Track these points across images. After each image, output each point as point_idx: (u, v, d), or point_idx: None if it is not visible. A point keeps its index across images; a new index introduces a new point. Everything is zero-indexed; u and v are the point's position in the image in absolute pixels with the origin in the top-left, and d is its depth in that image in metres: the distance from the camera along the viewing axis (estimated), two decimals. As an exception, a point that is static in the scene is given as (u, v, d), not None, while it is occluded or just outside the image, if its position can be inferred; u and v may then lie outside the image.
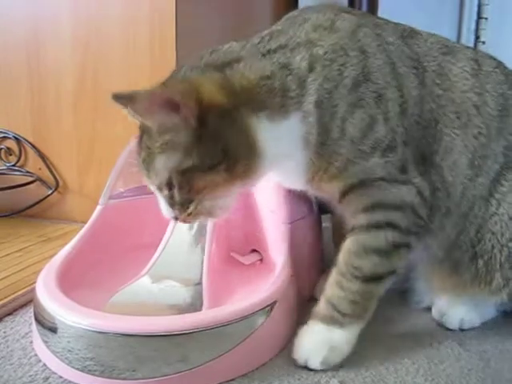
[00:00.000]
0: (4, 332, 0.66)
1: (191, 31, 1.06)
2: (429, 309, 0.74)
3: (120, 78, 1.06)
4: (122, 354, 0.54)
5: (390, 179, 0.60)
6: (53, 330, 0.57)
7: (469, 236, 0.66)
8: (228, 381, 0.57)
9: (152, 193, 0.63)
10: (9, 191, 1.14)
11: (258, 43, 0.61)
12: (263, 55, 0.59)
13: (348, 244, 0.62)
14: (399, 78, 0.61)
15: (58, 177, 1.15)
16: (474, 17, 1.61)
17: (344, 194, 0.61)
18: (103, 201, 0.82)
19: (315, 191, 0.67)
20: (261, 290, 0.63)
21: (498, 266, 0.65)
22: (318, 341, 0.61)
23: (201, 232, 0.74)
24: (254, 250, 0.83)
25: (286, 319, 0.66)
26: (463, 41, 1.61)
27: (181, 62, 1.00)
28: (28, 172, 1.17)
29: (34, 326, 0.61)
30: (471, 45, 1.61)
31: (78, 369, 0.55)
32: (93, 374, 0.54)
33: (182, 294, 0.67)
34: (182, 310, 0.64)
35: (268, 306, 0.60)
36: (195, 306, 0.65)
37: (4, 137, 1.17)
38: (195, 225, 0.74)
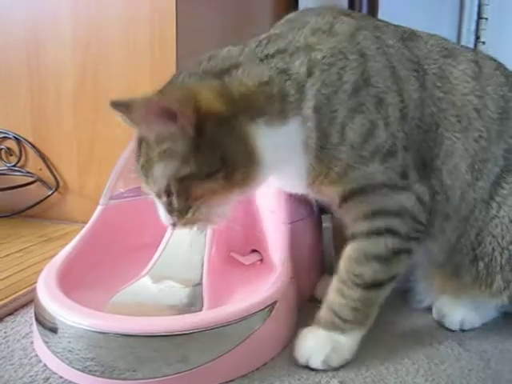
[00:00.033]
0: (5, 332, 0.66)
1: (191, 31, 1.06)
2: (429, 309, 0.74)
3: (120, 78, 1.06)
4: (123, 355, 0.54)
5: (390, 185, 0.60)
6: (53, 330, 0.57)
7: (469, 239, 0.66)
8: (228, 381, 0.57)
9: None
10: (9, 192, 1.14)
11: (256, 47, 0.60)
12: (261, 60, 0.59)
13: (348, 251, 0.61)
14: (399, 82, 0.60)
15: (58, 177, 1.15)
16: (474, 17, 1.61)
17: (344, 199, 0.61)
18: (104, 201, 0.82)
19: (316, 195, 0.67)
20: (261, 290, 0.63)
21: (498, 269, 0.65)
22: (320, 340, 0.61)
23: (201, 232, 0.74)
24: (254, 250, 0.82)
25: (286, 319, 0.66)
26: (463, 41, 1.61)
27: (181, 63, 1.01)
28: (28, 172, 1.17)
29: (35, 326, 0.61)
30: (471, 45, 1.61)
31: (78, 369, 0.55)
32: (93, 375, 0.54)
33: (182, 294, 0.67)
34: (182, 310, 0.64)
35: (268, 306, 0.60)
36: (195, 306, 0.65)
37: (4, 137, 1.17)
38: (195, 225, 0.74)
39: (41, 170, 1.16)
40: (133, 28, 1.04)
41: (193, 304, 0.65)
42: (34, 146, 1.15)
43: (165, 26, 1.01)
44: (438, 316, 0.72)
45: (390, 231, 0.60)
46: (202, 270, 0.70)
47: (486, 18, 1.59)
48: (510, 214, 0.64)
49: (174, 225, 0.62)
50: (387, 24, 0.66)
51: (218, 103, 0.55)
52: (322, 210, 0.78)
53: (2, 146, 1.18)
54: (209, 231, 0.73)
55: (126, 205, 0.84)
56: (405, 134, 0.60)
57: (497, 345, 0.67)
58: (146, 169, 0.59)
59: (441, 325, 0.72)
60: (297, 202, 0.73)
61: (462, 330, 0.70)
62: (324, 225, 0.84)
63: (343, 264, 0.62)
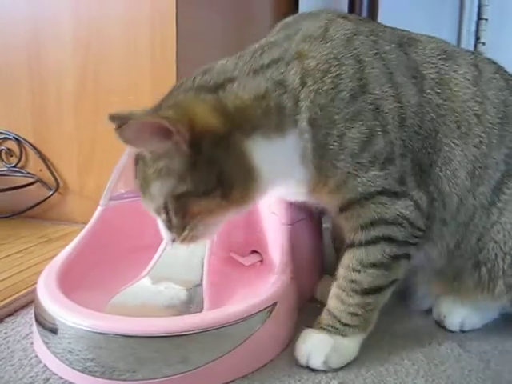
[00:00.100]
0: (5, 333, 0.66)
1: (192, 33, 1.06)
2: (429, 310, 0.74)
3: (121, 79, 1.06)
4: (123, 355, 0.54)
5: (388, 192, 0.59)
6: (53, 330, 0.57)
7: (470, 244, 0.65)
8: (228, 382, 0.57)
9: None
10: (9, 192, 1.14)
11: (251, 59, 0.58)
12: (256, 72, 0.57)
13: (346, 260, 0.61)
14: (397, 88, 0.59)
15: (58, 178, 1.15)
16: (474, 18, 1.61)
17: (342, 209, 0.61)
18: (104, 202, 0.82)
19: (315, 202, 0.66)
20: (261, 291, 0.63)
21: (500, 274, 0.65)
22: (321, 341, 0.61)
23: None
24: (254, 251, 0.82)
25: (287, 320, 0.66)
26: (463, 42, 1.61)
27: (181, 63, 1.01)
28: (29, 173, 1.17)
29: (35, 326, 0.61)
30: (471, 46, 1.61)
31: (78, 370, 0.55)
32: (93, 375, 0.54)
33: (182, 295, 0.67)
34: (182, 311, 0.64)
35: (268, 307, 0.60)
36: (195, 307, 0.65)
37: (5, 138, 1.17)
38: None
39: (41, 170, 1.16)
40: (133, 29, 1.04)
41: (193, 305, 0.65)
42: (34, 147, 1.15)
43: (165, 27, 1.01)
44: (438, 317, 0.72)
45: (387, 239, 0.60)
46: (202, 270, 0.70)
47: (486, 19, 1.59)
48: None
49: (172, 241, 0.61)
50: (385, 28, 0.65)
51: (213, 119, 0.54)
52: (322, 210, 0.78)
53: (3, 147, 1.18)
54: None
55: (126, 206, 0.84)
56: (402, 142, 0.59)
57: (497, 346, 0.67)
58: (144, 187, 0.59)
59: (441, 326, 0.72)
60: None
61: (462, 331, 0.70)
62: (324, 225, 0.84)
63: (341, 271, 0.62)
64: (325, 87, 0.57)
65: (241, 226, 0.80)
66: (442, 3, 1.61)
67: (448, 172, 0.62)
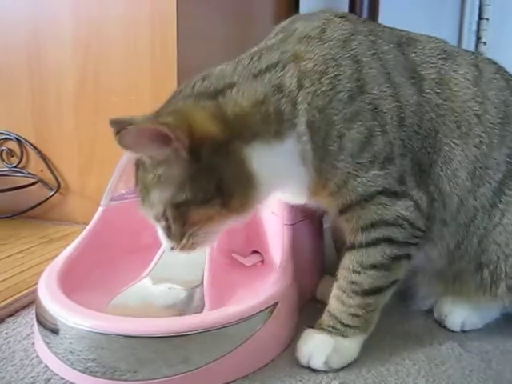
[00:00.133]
0: (6, 333, 0.66)
1: (192, 32, 1.06)
2: (430, 310, 0.74)
3: (121, 79, 1.06)
4: (124, 356, 0.54)
5: (388, 192, 0.59)
6: (54, 331, 0.57)
7: (471, 246, 0.65)
8: (229, 382, 0.57)
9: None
10: (10, 193, 1.14)
11: (249, 63, 0.58)
12: (255, 76, 0.57)
13: (346, 261, 0.61)
14: (395, 87, 0.59)
15: (59, 178, 1.15)
16: (475, 17, 1.61)
17: (342, 211, 0.60)
18: (105, 202, 0.82)
19: (315, 205, 0.66)
20: (262, 291, 0.63)
21: (503, 276, 0.65)
22: (322, 342, 0.61)
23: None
24: (255, 251, 0.83)
25: (287, 320, 0.66)
26: (464, 42, 1.61)
27: (182, 63, 1.01)
28: (30, 173, 1.17)
29: (36, 327, 0.62)
30: (472, 45, 1.61)
31: (79, 370, 0.55)
32: (94, 376, 0.54)
33: (183, 295, 0.67)
34: (182, 311, 0.64)
35: (269, 307, 0.60)
36: (196, 307, 0.65)
37: (5, 138, 1.17)
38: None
39: (42, 171, 1.16)
40: (133, 29, 1.04)
41: (193, 305, 0.65)
42: (35, 147, 1.15)
43: (166, 27, 1.01)
44: (440, 317, 0.72)
45: (387, 240, 0.59)
46: (203, 271, 0.70)
47: (487, 19, 1.59)
48: None
49: (171, 248, 0.61)
50: (383, 28, 0.64)
51: (212, 126, 0.54)
52: (323, 213, 0.78)
53: (3, 147, 1.18)
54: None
55: (127, 206, 0.83)
56: (402, 141, 0.59)
57: (498, 345, 0.67)
58: (143, 192, 0.59)
59: (442, 325, 0.72)
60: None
61: (463, 331, 0.70)
62: (325, 226, 0.84)
63: (341, 273, 0.62)
64: (322, 88, 0.56)
65: (242, 226, 0.80)
66: (443, 3, 1.61)
67: (448, 172, 0.62)
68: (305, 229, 0.77)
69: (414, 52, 0.63)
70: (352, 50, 0.58)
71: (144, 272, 0.72)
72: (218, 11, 1.20)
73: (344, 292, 0.61)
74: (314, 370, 0.60)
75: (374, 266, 0.60)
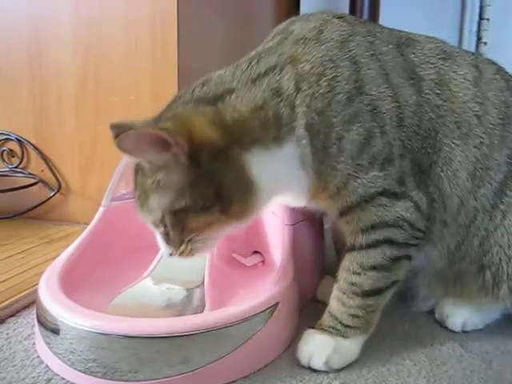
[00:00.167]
0: (7, 334, 0.66)
1: (193, 33, 1.06)
2: (431, 311, 0.74)
3: (121, 80, 1.06)
4: (125, 356, 0.54)
5: (388, 193, 0.58)
6: (55, 331, 0.57)
7: (472, 247, 0.65)
8: (230, 382, 0.57)
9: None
10: (11, 193, 1.14)
11: (247, 68, 0.58)
12: (253, 81, 0.57)
13: (346, 263, 0.61)
14: (394, 88, 0.59)
15: (60, 178, 1.16)
16: (476, 18, 1.61)
17: (342, 213, 0.60)
18: (105, 202, 0.82)
19: (315, 207, 0.66)
20: (263, 291, 0.63)
21: (505, 278, 0.65)
22: (323, 342, 0.61)
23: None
24: (255, 252, 0.83)
25: (288, 321, 0.66)
26: (465, 42, 1.61)
27: (182, 64, 1.01)
28: (30, 174, 1.17)
29: (37, 327, 0.62)
30: (473, 46, 1.61)
31: (80, 370, 0.55)
32: (95, 376, 0.54)
33: (184, 295, 0.67)
34: (183, 311, 0.64)
35: (270, 307, 0.60)
36: (197, 307, 0.65)
37: (6, 139, 1.17)
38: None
39: (43, 171, 1.16)
40: (134, 30, 1.04)
41: (194, 305, 0.65)
42: (35, 148, 1.16)
43: (166, 28, 1.01)
44: (441, 317, 0.72)
45: (387, 241, 0.59)
46: (204, 271, 0.70)
47: (488, 19, 1.59)
48: None
49: (170, 254, 0.61)
50: (382, 29, 0.64)
51: (211, 132, 0.54)
52: (323, 215, 0.78)
53: (4, 148, 1.18)
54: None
55: (128, 206, 0.83)
56: (401, 142, 0.59)
57: (499, 346, 0.67)
58: (142, 198, 0.58)
59: (443, 326, 0.72)
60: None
61: (464, 332, 0.70)
62: (325, 226, 0.84)
63: (341, 274, 0.61)
64: (321, 91, 0.56)
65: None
66: (444, 3, 1.61)
67: (449, 172, 0.62)
68: (305, 229, 0.77)
69: (413, 53, 0.63)
70: (350, 51, 0.58)
71: (145, 272, 0.72)
72: (218, 12, 1.20)
73: (344, 293, 0.61)
74: (314, 371, 0.60)
75: (374, 267, 0.60)
